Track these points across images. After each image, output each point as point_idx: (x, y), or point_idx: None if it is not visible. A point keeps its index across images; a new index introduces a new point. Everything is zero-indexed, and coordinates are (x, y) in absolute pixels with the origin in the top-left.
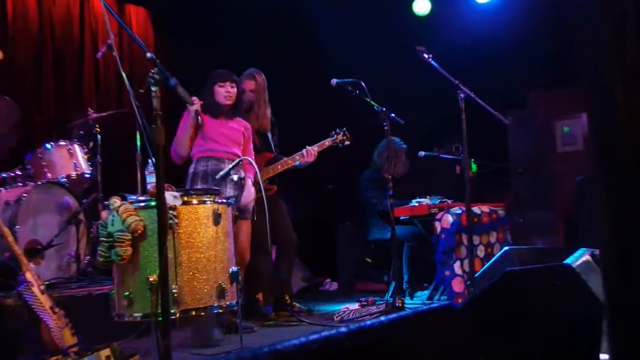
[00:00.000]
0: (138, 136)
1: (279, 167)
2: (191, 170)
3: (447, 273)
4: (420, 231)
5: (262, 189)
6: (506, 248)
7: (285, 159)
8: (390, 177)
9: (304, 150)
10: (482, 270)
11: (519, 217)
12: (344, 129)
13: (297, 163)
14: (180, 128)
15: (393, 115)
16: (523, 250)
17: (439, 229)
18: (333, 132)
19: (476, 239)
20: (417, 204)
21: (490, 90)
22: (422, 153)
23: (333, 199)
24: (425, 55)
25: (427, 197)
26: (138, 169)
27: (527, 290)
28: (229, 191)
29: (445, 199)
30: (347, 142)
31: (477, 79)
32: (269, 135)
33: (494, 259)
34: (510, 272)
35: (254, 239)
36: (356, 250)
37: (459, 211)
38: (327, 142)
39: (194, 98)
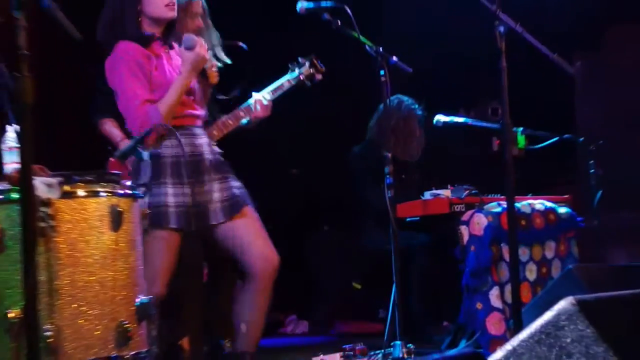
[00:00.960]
0: None
1: (215, 132)
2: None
3: (479, 306)
4: (438, 240)
5: None
6: (570, 266)
7: (225, 117)
8: (390, 156)
9: (251, 100)
10: (532, 301)
11: (592, 219)
12: (310, 57)
13: (245, 121)
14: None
15: (395, 59)
16: (596, 269)
17: (466, 237)
18: (293, 64)
19: (524, 253)
20: (432, 198)
21: (544, 24)
22: (440, 119)
23: (300, 191)
24: None
25: (449, 187)
26: None
27: (603, 326)
28: (142, 177)
29: (476, 191)
30: (318, 76)
31: (525, 5)
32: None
33: (551, 283)
34: (579, 300)
35: (182, 257)
36: (338, 271)
37: (498, 209)
38: (285, 83)
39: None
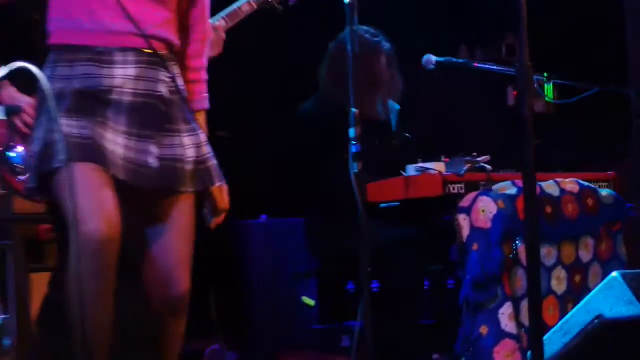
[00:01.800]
0: None
1: None
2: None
3: (485, 330)
4: (425, 236)
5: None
6: (615, 274)
7: None
8: (358, 113)
9: None
10: (560, 323)
11: None
12: None
13: None
14: None
15: None
16: None
17: (466, 231)
18: None
19: (550, 254)
20: (418, 174)
21: None
22: (431, 60)
23: (229, 163)
24: None
25: (443, 158)
26: None
27: None
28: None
29: (483, 165)
30: None
31: None
32: None
33: (588, 297)
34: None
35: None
36: (282, 281)
37: (513, 191)
38: (245, 6)
39: None
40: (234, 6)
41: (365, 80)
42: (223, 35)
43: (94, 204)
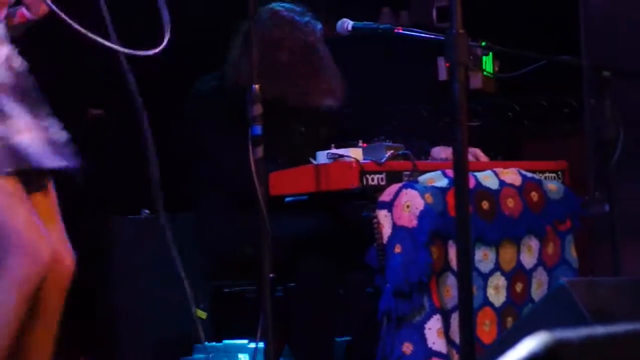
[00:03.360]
0: None
1: None
2: None
3: (407, 348)
4: (337, 235)
5: None
6: (563, 281)
7: None
8: (257, 91)
9: None
10: (498, 341)
11: (602, 201)
12: None
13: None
14: None
15: None
16: (605, 284)
17: (387, 231)
18: None
19: (487, 257)
20: (330, 162)
21: None
22: (346, 25)
23: (104, 146)
24: None
25: (359, 143)
26: None
27: None
28: None
29: (407, 151)
30: None
31: None
32: None
33: (531, 308)
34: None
35: None
36: (168, 288)
37: (443, 182)
38: None
39: None
40: None
41: (304, 71)
42: None
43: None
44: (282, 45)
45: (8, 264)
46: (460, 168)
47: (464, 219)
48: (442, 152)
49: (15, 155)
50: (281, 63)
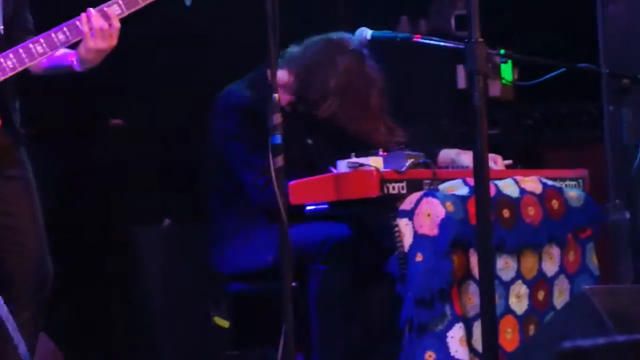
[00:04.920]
0: None
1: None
2: None
3: (430, 357)
4: (358, 244)
5: None
6: (584, 288)
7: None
8: (277, 99)
9: (83, 16)
10: (520, 348)
11: (623, 209)
12: None
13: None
14: None
15: None
16: (626, 292)
17: (408, 239)
18: None
19: (508, 266)
20: (350, 171)
21: None
22: (365, 34)
23: (125, 155)
24: None
25: (380, 152)
26: None
27: None
28: None
29: (428, 160)
30: None
31: None
32: None
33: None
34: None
35: None
36: (189, 297)
37: (464, 191)
38: None
39: None
40: None
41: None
42: (117, 24)
43: None
44: (373, 86)
45: None
46: (481, 176)
47: (485, 227)
48: (448, 157)
49: None
50: (373, 103)
